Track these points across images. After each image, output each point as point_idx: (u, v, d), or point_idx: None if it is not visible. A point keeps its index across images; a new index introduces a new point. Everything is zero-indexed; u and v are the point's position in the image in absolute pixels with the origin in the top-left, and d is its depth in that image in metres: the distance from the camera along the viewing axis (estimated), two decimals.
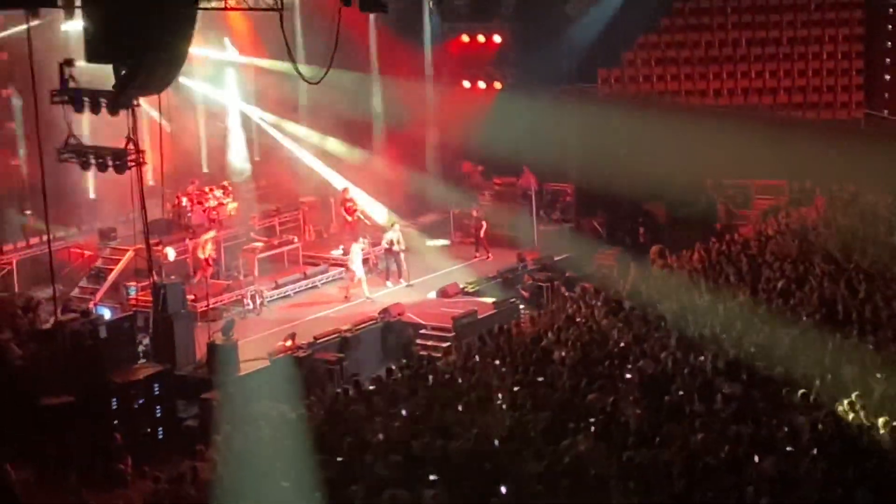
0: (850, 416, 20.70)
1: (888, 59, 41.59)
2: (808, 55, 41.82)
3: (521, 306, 32.16)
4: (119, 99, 21.57)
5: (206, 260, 32.65)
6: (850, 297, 26.86)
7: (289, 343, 29.02)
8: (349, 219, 36.94)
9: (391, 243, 34.34)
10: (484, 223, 37.41)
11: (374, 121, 40.80)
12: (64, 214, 34.04)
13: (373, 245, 35.48)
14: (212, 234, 33.49)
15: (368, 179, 38.98)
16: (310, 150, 39.69)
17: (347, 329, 30.37)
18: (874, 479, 18.22)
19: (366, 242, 34.20)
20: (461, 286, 33.68)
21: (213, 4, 27.92)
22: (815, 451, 19.19)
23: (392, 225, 35.16)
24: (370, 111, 40.77)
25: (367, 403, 23.81)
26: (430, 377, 25.00)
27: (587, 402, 22.50)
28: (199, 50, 35.16)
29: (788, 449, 19.46)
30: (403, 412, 23.14)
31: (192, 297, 30.62)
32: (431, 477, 19.99)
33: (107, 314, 29.73)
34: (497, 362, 25.17)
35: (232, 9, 28.93)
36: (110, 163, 23.19)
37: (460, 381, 24.63)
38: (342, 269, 35.24)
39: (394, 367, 26.47)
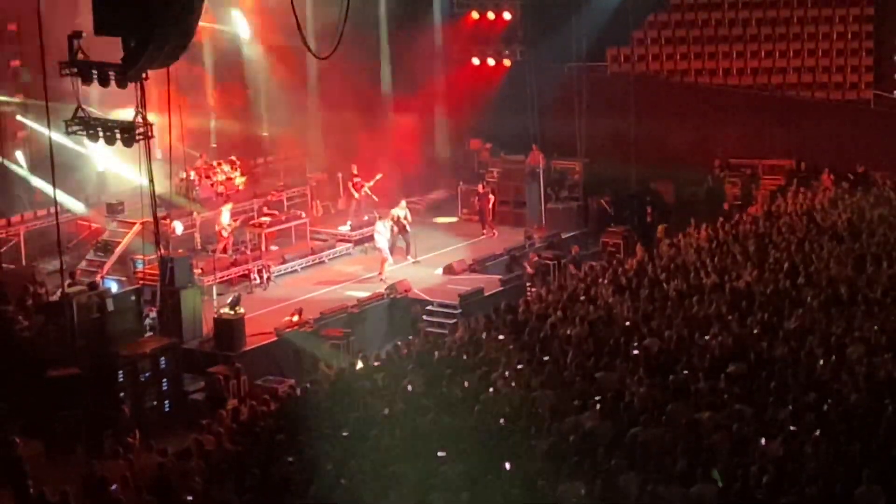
0: (855, 395, 20.71)
1: None
2: (818, 35, 41.70)
3: (528, 284, 32.16)
4: (128, 72, 21.54)
5: (220, 231, 32.72)
6: (856, 277, 26.85)
7: (296, 318, 29.07)
8: (356, 195, 36.95)
9: (398, 219, 34.35)
10: (491, 197, 37.42)
11: (382, 97, 40.77)
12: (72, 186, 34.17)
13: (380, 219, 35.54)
14: (229, 205, 33.47)
15: (376, 155, 38.98)
16: (318, 125, 39.68)
17: (354, 305, 30.41)
18: (878, 460, 18.25)
19: (387, 221, 33.95)
20: (468, 263, 33.71)
21: None
22: (818, 432, 19.21)
23: (399, 202, 35.17)
24: (379, 87, 40.73)
25: (372, 379, 23.86)
26: (436, 353, 25.03)
27: (593, 380, 22.54)
28: (209, 24, 35.18)
29: (792, 429, 19.48)
30: (409, 388, 23.18)
31: (199, 270, 30.65)
32: (440, 454, 20.05)
33: (114, 287, 29.76)
34: (503, 339, 25.19)
35: None
36: (118, 136, 23.13)
37: (466, 357, 24.66)
38: (349, 244, 35.30)
39: (400, 343, 26.51)
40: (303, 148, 40.29)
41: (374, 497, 18.79)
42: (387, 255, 33.31)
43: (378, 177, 37.10)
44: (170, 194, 33.57)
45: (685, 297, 26.86)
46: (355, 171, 37.09)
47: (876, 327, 23.77)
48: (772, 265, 28.44)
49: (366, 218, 36.24)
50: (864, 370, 21.88)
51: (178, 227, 32.73)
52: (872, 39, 41.19)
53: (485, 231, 37.11)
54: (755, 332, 24.19)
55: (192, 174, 35.58)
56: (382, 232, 33.38)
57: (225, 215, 33.07)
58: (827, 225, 31.49)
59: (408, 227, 34.49)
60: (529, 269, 33.23)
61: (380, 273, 33.08)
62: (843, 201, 33.91)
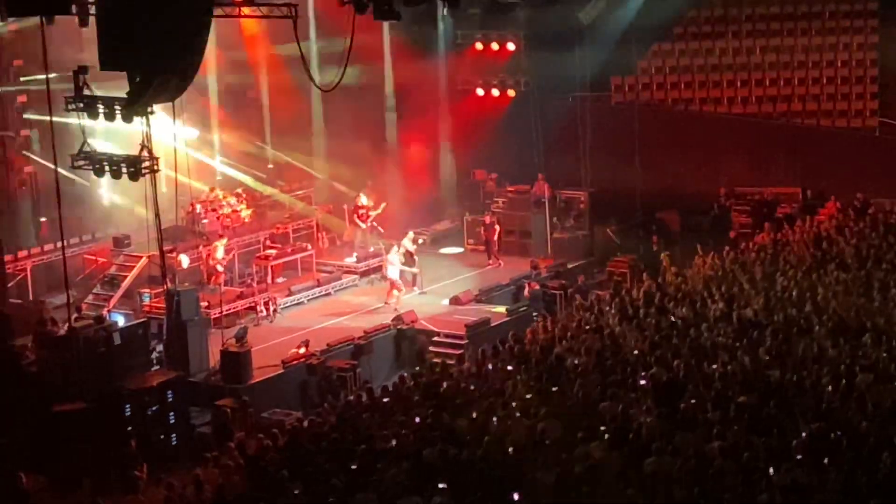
0: (864, 424, 20.65)
1: None
2: (823, 63, 41.75)
3: (535, 314, 32.13)
4: (133, 106, 21.62)
5: (215, 266, 32.70)
6: (865, 305, 26.81)
7: (302, 350, 29.05)
8: (362, 226, 36.96)
9: (408, 251, 34.37)
10: (497, 227, 37.44)
11: (387, 128, 40.84)
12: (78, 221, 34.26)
13: (387, 253, 35.54)
14: (224, 241, 33.53)
15: (382, 187, 39.02)
16: (323, 156, 39.77)
17: (360, 336, 30.39)
18: (888, 489, 18.18)
19: (399, 251, 33.88)
20: (474, 293, 33.69)
21: (227, 12, 27.94)
22: (826, 461, 19.16)
23: (406, 233, 35.19)
24: (384, 118, 40.81)
25: (379, 411, 23.83)
26: (443, 385, 25.00)
27: (600, 410, 22.49)
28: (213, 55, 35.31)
29: (800, 458, 19.42)
30: (416, 420, 23.14)
31: (205, 303, 30.66)
32: (441, 485, 20.00)
33: (120, 321, 29.78)
34: (510, 370, 25.16)
35: (246, 16, 28.96)
36: (124, 170, 23.19)
37: (473, 388, 24.63)
38: (355, 276, 35.29)
39: (406, 375, 26.48)
40: (308, 180, 40.33)
41: None
42: (399, 284, 33.26)
43: (383, 206, 37.12)
44: (175, 227, 33.63)
45: (692, 325, 26.83)
46: (361, 203, 37.10)
47: (884, 355, 23.73)
48: (779, 293, 28.42)
49: (371, 249, 36.24)
50: (873, 399, 21.83)
51: (185, 260, 32.75)
52: (877, 67, 41.22)
53: (491, 262, 37.10)
54: (763, 360, 24.15)
55: (199, 207, 35.60)
56: (394, 262, 33.35)
57: (220, 251, 33.04)
58: (833, 253, 31.47)
59: (415, 258, 34.49)
60: (527, 293, 33.28)
61: (386, 300, 33.04)
62: (849, 229, 33.89)
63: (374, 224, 36.97)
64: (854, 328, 25.59)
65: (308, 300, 33.93)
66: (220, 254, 33.07)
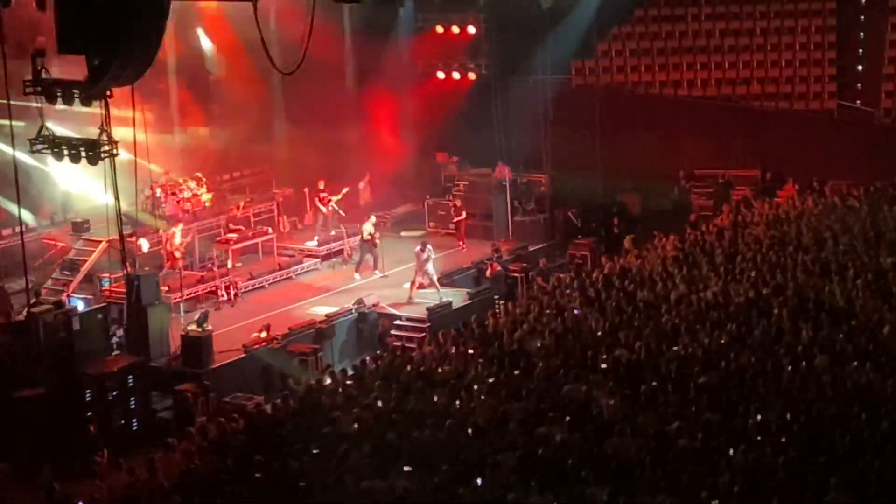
0: (822, 404, 20.81)
1: (860, 50, 41.74)
2: (781, 46, 41.89)
3: (496, 297, 32.19)
4: (92, 90, 21.48)
5: (173, 252, 32.55)
6: (822, 286, 26.98)
7: (263, 334, 29.02)
8: (324, 210, 36.92)
9: (372, 235, 34.33)
10: (464, 213, 37.46)
11: (348, 111, 40.74)
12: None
13: (349, 236, 35.53)
14: (180, 226, 33.32)
15: (344, 170, 38.98)
16: (284, 140, 39.68)
17: (322, 320, 30.37)
18: (846, 468, 18.32)
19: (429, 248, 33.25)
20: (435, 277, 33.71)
21: None
22: (785, 441, 19.30)
23: (369, 216, 35.19)
24: (345, 102, 40.72)
25: (341, 394, 23.83)
26: (405, 368, 25.02)
27: (562, 392, 22.56)
28: (172, 40, 35.13)
29: (760, 438, 19.55)
30: (378, 403, 23.16)
31: (165, 288, 30.56)
32: (406, 468, 20.04)
33: (80, 306, 29.66)
34: (472, 352, 25.21)
35: None
36: (83, 154, 23.06)
37: (437, 370, 24.67)
38: (317, 259, 35.25)
39: (368, 359, 26.49)
40: (269, 163, 40.24)
41: None
42: (429, 279, 32.90)
43: (345, 191, 37.11)
44: (135, 212, 33.48)
45: (653, 308, 26.94)
46: (322, 186, 37.06)
47: (842, 336, 23.89)
48: (738, 275, 28.56)
49: (332, 233, 36.21)
50: (831, 379, 21.99)
51: (145, 244, 32.61)
52: (835, 50, 41.41)
53: (461, 243, 37.16)
54: (723, 342, 24.28)
55: (158, 191, 35.45)
56: (431, 257, 33.06)
57: (177, 236, 32.89)
58: (792, 234, 31.64)
59: (376, 242, 34.46)
60: (489, 274, 33.33)
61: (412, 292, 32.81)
62: (807, 210, 34.10)
63: (335, 208, 36.91)
64: (812, 309, 25.78)
65: (269, 284, 33.87)
66: (177, 239, 32.90)
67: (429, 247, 32.82)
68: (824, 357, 22.92)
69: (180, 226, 33.43)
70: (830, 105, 40.39)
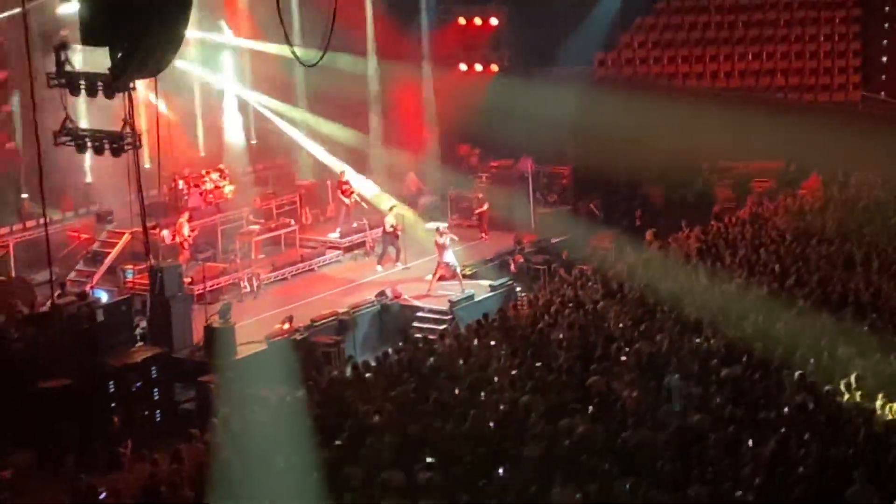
0: (846, 396, 20.78)
1: (885, 41, 41.56)
2: (805, 37, 41.77)
3: (518, 288, 32.16)
4: (115, 82, 21.53)
5: (182, 243, 32.54)
6: (846, 278, 26.91)
7: (286, 326, 29.04)
8: (346, 201, 36.93)
9: (394, 227, 34.32)
10: (486, 204, 37.44)
11: (371, 104, 40.78)
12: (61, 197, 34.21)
13: (371, 228, 35.53)
14: (185, 216, 33.25)
15: (366, 162, 39.00)
16: (307, 133, 39.70)
17: (344, 312, 30.39)
18: (869, 460, 18.28)
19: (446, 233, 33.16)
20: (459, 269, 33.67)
21: None
22: (808, 434, 19.25)
23: (391, 208, 35.18)
24: (367, 94, 40.74)
25: (363, 386, 23.85)
26: (428, 360, 25.04)
27: (584, 385, 22.56)
28: (195, 33, 35.18)
29: (783, 430, 19.51)
30: (400, 395, 23.19)
31: (188, 279, 30.63)
32: (428, 459, 20.06)
33: (104, 297, 29.73)
34: (494, 344, 25.20)
35: None
36: (107, 146, 23.12)
37: (459, 362, 24.68)
38: (339, 251, 35.28)
39: (390, 350, 26.52)
40: (292, 155, 40.28)
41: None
42: (451, 268, 32.87)
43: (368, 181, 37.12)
44: (159, 203, 33.58)
45: (675, 300, 26.90)
46: (343, 178, 37.07)
47: (866, 328, 23.84)
48: (761, 268, 28.50)
49: (355, 224, 36.21)
50: (854, 371, 21.93)
51: (167, 236, 32.66)
52: (860, 41, 41.25)
53: (484, 235, 37.13)
54: (746, 334, 24.24)
55: (181, 183, 35.52)
56: (450, 245, 32.75)
57: (185, 228, 32.86)
58: (816, 226, 31.56)
59: (398, 234, 34.45)
60: (513, 269, 33.27)
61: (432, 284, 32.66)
62: (832, 202, 34.01)
63: (358, 199, 36.93)
64: (836, 301, 25.72)
65: (291, 276, 33.91)
66: (185, 231, 32.85)
67: (446, 232, 32.68)
68: (848, 349, 22.88)
69: (186, 214, 33.34)
70: (855, 96, 40.25)
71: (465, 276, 32.57)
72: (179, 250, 32.55)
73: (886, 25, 41.57)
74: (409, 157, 40.42)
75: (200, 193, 35.80)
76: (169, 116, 34.99)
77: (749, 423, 20.22)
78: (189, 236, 32.79)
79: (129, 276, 31.60)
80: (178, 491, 19.89)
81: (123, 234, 32.68)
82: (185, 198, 35.32)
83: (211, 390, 25.81)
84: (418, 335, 29.23)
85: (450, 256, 32.37)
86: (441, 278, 32.46)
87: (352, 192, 36.87)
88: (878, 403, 20.45)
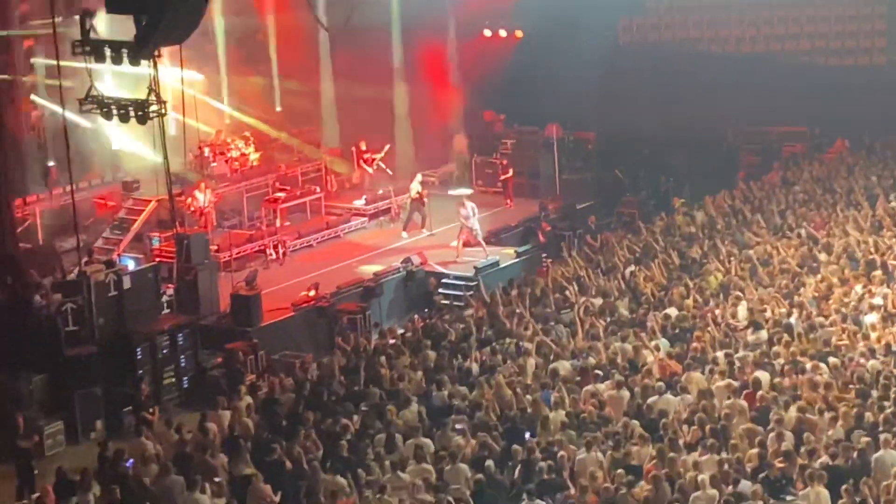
0: None
1: None
2: (831, 0, 41.52)
3: (544, 255, 32.15)
4: (141, 50, 21.57)
5: (197, 212, 32.46)
6: (874, 241, 26.94)
7: (312, 293, 29.11)
8: (369, 170, 36.92)
9: (420, 194, 34.28)
10: (511, 170, 37.38)
11: (395, 71, 40.69)
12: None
13: (396, 195, 35.54)
14: (202, 185, 33.11)
15: (389, 129, 38.96)
16: (331, 99, 39.67)
17: (370, 279, 30.44)
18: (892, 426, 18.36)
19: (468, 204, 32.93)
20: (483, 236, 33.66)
21: None
22: (832, 397, 19.33)
23: (416, 175, 35.16)
24: (391, 60, 40.65)
25: (389, 353, 23.95)
26: (453, 326, 25.11)
27: (609, 350, 22.63)
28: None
29: (806, 395, 19.55)
30: (426, 362, 23.28)
31: (215, 247, 30.69)
32: (457, 426, 20.18)
33: (131, 265, 29.80)
34: (519, 311, 25.26)
35: None
36: (132, 113, 23.16)
37: (482, 330, 24.75)
38: (364, 218, 35.30)
39: (417, 317, 26.60)
40: (317, 122, 40.25)
41: (394, 470, 18.92)
42: (475, 236, 32.76)
43: (386, 148, 37.04)
44: (184, 171, 33.59)
45: (702, 265, 26.93)
46: (364, 147, 37.03)
47: (891, 292, 23.85)
48: (789, 233, 28.51)
49: (380, 192, 36.20)
50: (880, 336, 21.97)
51: (199, 200, 32.60)
52: (885, 4, 40.97)
53: (508, 201, 37.07)
54: (773, 299, 24.29)
55: (207, 150, 35.55)
56: (473, 214, 32.70)
57: (200, 197, 32.75)
58: (843, 191, 31.52)
59: (424, 201, 34.42)
60: (542, 238, 33.20)
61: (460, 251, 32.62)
62: (858, 167, 33.95)
63: (382, 166, 36.91)
64: (864, 265, 25.73)
65: (317, 243, 33.95)
66: (201, 200, 32.66)
67: (469, 204, 32.62)
68: (873, 314, 22.91)
69: (202, 185, 33.26)
70: (880, 60, 40.02)
71: (489, 243, 32.59)
72: (197, 219, 32.45)
73: None
74: (437, 123, 40.34)
75: (226, 161, 35.83)
76: (194, 84, 34.92)
77: (772, 388, 20.30)
78: (207, 205, 32.74)
79: (156, 244, 31.65)
80: (205, 456, 20.02)
81: (149, 201, 32.73)
82: (211, 165, 35.36)
83: (238, 357, 25.92)
84: (444, 301, 29.32)
85: (473, 222, 32.37)
86: (465, 244, 32.47)
87: (373, 160, 36.85)
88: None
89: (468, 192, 35.00)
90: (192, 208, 32.30)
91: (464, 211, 32.22)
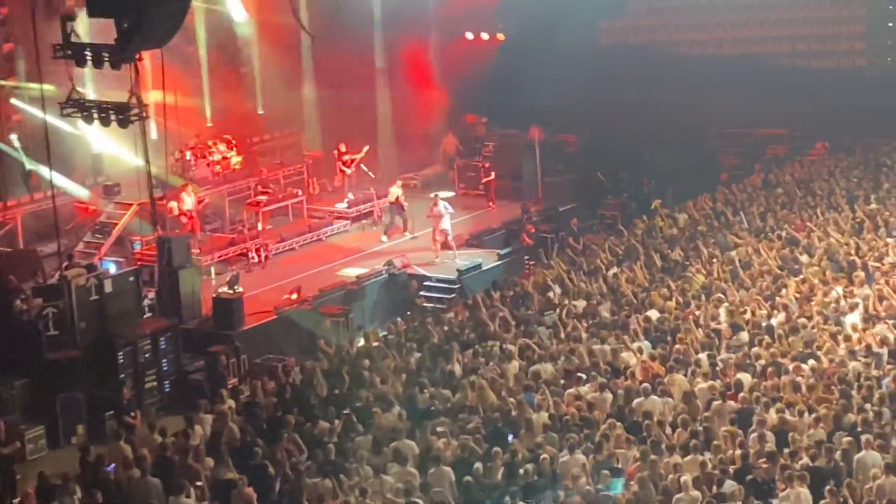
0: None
1: (891, 6, 41.42)
2: (811, 3, 41.63)
3: (526, 257, 32.16)
4: (122, 53, 21.53)
5: (184, 214, 32.40)
6: (854, 243, 27.02)
7: (294, 296, 29.08)
8: (348, 172, 36.88)
9: (398, 198, 34.26)
10: (493, 173, 37.38)
11: (377, 74, 40.66)
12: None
13: (378, 198, 35.50)
14: (189, 187, 33.04)
15: (372, 131, 38.92)
16: (313, 102, 39.63)
17: (352, 282, 30.42)
18: (877, 425, 18.36)
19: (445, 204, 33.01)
20: (465, 237, 33.67)
21: None
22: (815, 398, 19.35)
23: (395, 181, 35.15)
24: (373, 63, 40.62)
25: (372, 356, 23.92)
26: (436, 329, 25.10)
27: (592, 352, 22.63)
28: (200, 4, 35.12)
29: (788, 397, 19.59)
30: (409, 364, 23.27)
31: (196, 250, 30.62)
32: (439, 429, 20.15)
33: (112, 268, 29.72)
34: (502, 314, 25.26)
35: None
36: (113, 117, 23.12)
37: (465, 332, 24.74)
38: (347, 221, 35.24)
39: (399, 320, 26.58)
40: (299, 125, 40.20)
41: (377, 473, 18.90)
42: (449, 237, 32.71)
43: (365, 149, 36.99)
44: (165, 175, 33.50)
45: (684, 267, 26.97)
46: (343, 149, 36.99)
47: (871, 294, 23.91)
48: (770, 234, 28.56)
49: (351, 197, 36.12)
50: (861, 337, 22.01)
51: (175, 207, 32.58)
52: (865, 6, 41.11)
53: (491, 204, 37.08)
54: (755, 301, 24.33)
55: (188, 154, 35.48)
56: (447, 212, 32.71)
57: (187, 199, 32.70)
58: (824, 193, 31.60)
59: (404, 205, 34.39)
60: (528, 240, 33.18)
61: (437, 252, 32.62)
62: (838, 169, 34.05)
63: (364, 168, 36.88)
64: (845, 267, 25.79)
65: (299, 246, 33.90)
66: (188, 203, 32.64)
67: (443, 202, 32.63)
68: (854, 315, 22.96)
69: (189, 187, 33.19)
70: (861, 62, 40.14)
71: (471, 246, 32.60)
72: (185, 222, 32.39)
73: None
74: (419, 126, 40.32)
75: (208, 164, 35.77)
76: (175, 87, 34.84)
77: (756, 389, 20.33)
78: (193, 208, 32.69)
79: (137, 248, 31.58)
80: (187, 461, 19.97)
81: (131, 205, 32.65)
82: (193, 168, 35.29)
83: (220, 360, 25.87)
84: (426, 304, 29.30)
85: (446, 223, 32.39)
86: (446, 246, 32.48)
87: (352, 162, 36.82)
88: (885, 368, 20.54)
89: (450, 194, 34.97)
90: (180, 211, 32.25)
91: (436, 209, 32.24)
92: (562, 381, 21.69)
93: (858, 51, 40.43)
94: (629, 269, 27.23)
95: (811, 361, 21.32)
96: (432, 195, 33.33)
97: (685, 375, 21.29)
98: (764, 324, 23.02)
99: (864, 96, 38.26)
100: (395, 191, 34.29)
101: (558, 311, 25.09)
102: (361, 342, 25.57)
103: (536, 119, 38.68)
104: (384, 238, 34.02)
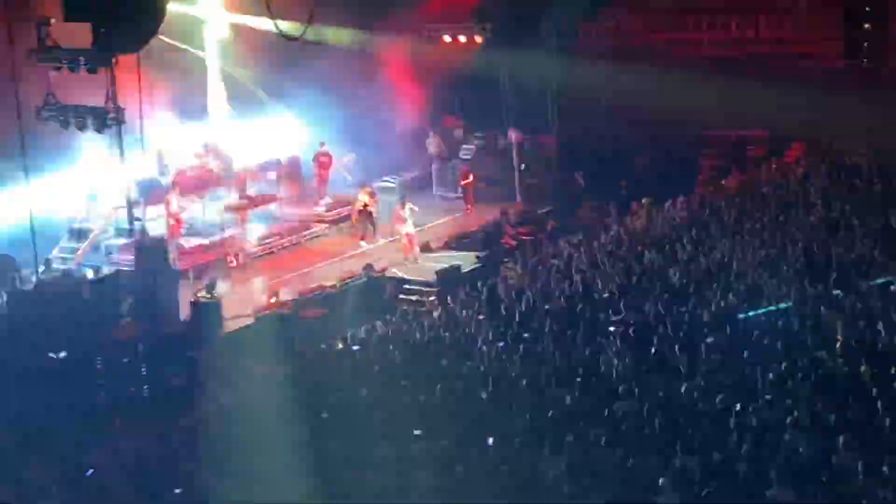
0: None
1: (867, 8, 41.50)
2: (789, 5, 41.70)
3: (505, 259, 32.18)
4: (98, 57, 21.51)
5: (171, 216, 32.33)
6: (831, 244, 27.01)
7: (273, 300, 29.04)
8: (327, 174, 36.85)
9: (366, 205, 34.28)
10: (471, 175, 37.41)
11: (354, 75, 40.59)
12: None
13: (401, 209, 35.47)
14: (175, 191, 32.98)
15: (350, 135, 38.91)
16: (292, 106, 39.58)
17: (331, 285, 30.40)
18: (856, 426, 18.36)
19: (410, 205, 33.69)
20: (444, 240, 33.71)
21: None
22: (793, 399, 19.35)
23: (363, 187, 35.13)
24: (351, 65, 40.57)
25: (351, 360, 23.89)
26: (415, 333, 25.08)
27: (571, 355, 22.61)
28: (177, 6, 35.01)
29: (769, 397, 19.60)
30: (388, 368, 23.23)
31: (175, 254, 30.55)
32: (416, 432, 20.12)
33: (90, 274, 29.66)
34: (481, 316, 25.24)
35: None
36: (90, 122, 23.10)
37: (444, 335, 24.72)
38: (325, 224, 35.20)
39: (378, 323, 26.55)
40: (276, 130, 40.09)
41: (356, 478, 18.86)
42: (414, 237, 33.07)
43: (346, 155, 36.99)
44: (145, 178, 33.41)
45: (662, 269, 26.96)
46: (323, 149, 36.97)
47: (851, 294, 23.92)
48: (747, 236, 28.58)
49: (341, 197, 36.13)
50: (840, 337, 22.01)
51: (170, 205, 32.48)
52: (842, 8, 41.19)
53: (468, 207, 37.12)
54: (732, 303, 24.33)
55: (165, 158, 35.36)
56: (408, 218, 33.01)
57: (174, 203, 32.64)
58: (800, 194, 31.64)
59: (371, 212, 34.36)
60: (511, 242, 33.21)
61: (406, 255, 32.76)
62: (815, 171, 34.10)
63: (343, 171, 36.86)
64: (821, 268, 25.81)
65: (278, 250, 33.87)
66: (174, 206, 32.61)
67: (408, 206, 32.86)
68: (834, 315, 22.96)
69: (175, 190, 33.14)
70: (838, 65, 40.22)
71: (450, 249, 32.69)
72: (169, 226, 32.33)
73: None
74: (394, 129, 40.31)
75: (187, 167, 35.68)
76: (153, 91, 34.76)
77: (736, 390, 20.32)
78: (178, 211, 32.63)
79: (115, 253, 31.49)
80: (166, 467, 19.93)
81: (108, 209, 32.53)
82: (170, 173, 35.18)
83: (199, 365, 25.81)
84: (405, 307, 29.30)
85: (410, 227, 32.52)
86: (424, 248, 32.60)
87: (330, 164, 36.80)
88: (864, 369, 20.53)
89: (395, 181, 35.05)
90: (167, 213, 32.22)
91: (402, 212, 32.41)
92: (540, 384, 21.66)
93: (837, 52, 40.43)
94: (608, 272, 27.21)
95: None
96: (399, 199, 33.54)
97: (664, 376, 21.28)
98: None
99: (841, 98, 38.28)
100: (364, 198, 34.34)
101: (537, 313, 25.05)
102: (340, 346, 25.53)
103: (515, 122, 38.75)
104: (363, 244, 34.03)
